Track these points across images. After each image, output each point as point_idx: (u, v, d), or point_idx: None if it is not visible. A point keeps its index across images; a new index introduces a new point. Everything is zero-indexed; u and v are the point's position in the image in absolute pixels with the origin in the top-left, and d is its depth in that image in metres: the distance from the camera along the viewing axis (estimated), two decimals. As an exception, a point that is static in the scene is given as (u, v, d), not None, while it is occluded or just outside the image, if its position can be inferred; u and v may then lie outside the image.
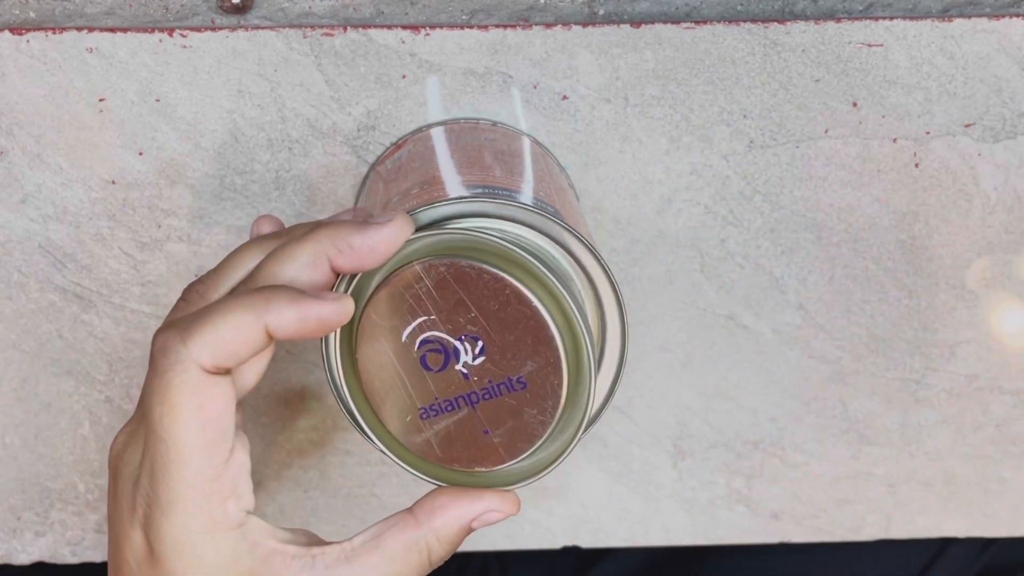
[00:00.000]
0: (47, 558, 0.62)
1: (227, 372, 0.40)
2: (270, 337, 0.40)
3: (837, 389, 0.60)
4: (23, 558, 0.62)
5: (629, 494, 0.62)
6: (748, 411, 0.60)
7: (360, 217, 0.46)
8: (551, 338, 0.42)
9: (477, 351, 0.42)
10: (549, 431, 0.43)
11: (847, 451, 0.61)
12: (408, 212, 0.43)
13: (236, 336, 0.39)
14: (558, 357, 0.42)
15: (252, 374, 0.43)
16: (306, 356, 0.59)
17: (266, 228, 0.47)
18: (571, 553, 0.70)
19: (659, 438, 0.61)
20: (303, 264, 0.41)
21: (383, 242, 0.41)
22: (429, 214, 0.43)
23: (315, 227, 0.42)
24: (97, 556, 0.62)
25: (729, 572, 0.69)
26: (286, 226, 0.48)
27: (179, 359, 0.39)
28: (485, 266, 0.42)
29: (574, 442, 0.43)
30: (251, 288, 0.41)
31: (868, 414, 0.61)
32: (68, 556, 0.62)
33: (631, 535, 0.63)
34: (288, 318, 0.40)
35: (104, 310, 0.57)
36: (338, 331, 0.43)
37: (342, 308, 0.41)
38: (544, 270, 0.42)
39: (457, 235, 0.42)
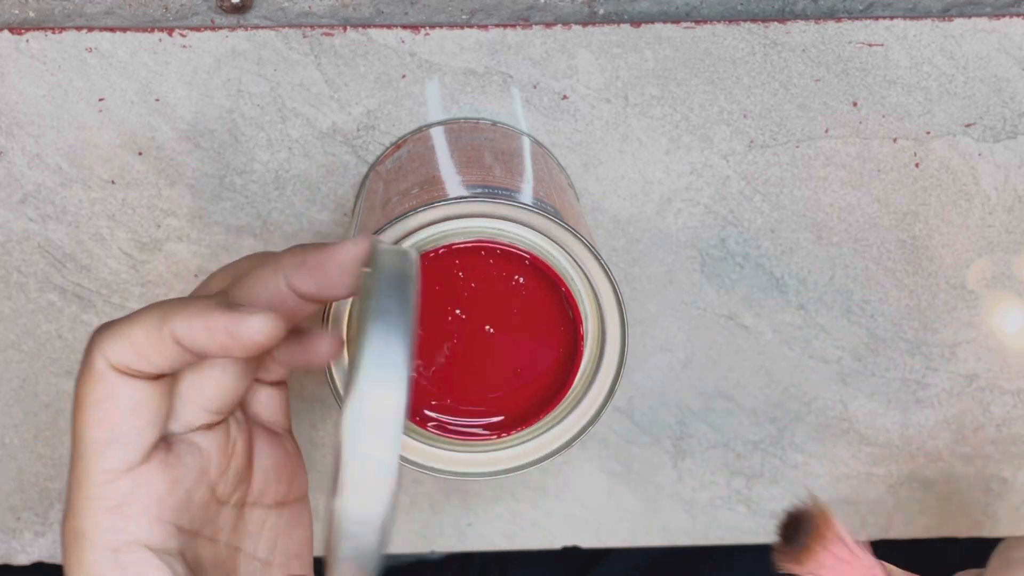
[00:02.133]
0: (47, 558, 0.62)
1: (150, 377, 0.38)
2: (182, 346, 0.38)
3: (837, 389, 0.60)
4: (23, 558, 0.62)
5: (629, 494, 0.62)
6: (748, 411, 0.60)
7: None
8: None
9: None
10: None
11: (847, 451, 0.61)
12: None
13: (144, 339, 0.38)
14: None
15: (212, 400, 0.40)
16: (306, 356, 0.59)
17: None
18: (571, 554, 0.70)
19: (659, 438, 0.61)
20: (259, 281, 0.39)
21: (337, 253, 0.39)
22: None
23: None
24: (97, 556, 0.62)
25: (730, 573, 0.69)
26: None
27: (89, 352, 0.38)
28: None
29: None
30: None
31: (868, 414, 0.61)
32: (68, 556, 0.62)
33: (631, 535, 0.63)
34: (195, 327, 0.37)
35: (104, 310, 0.57)
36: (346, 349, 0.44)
37: (261, 326, 0.37)
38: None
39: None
